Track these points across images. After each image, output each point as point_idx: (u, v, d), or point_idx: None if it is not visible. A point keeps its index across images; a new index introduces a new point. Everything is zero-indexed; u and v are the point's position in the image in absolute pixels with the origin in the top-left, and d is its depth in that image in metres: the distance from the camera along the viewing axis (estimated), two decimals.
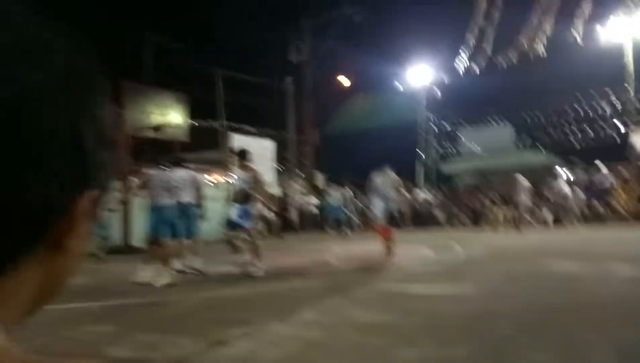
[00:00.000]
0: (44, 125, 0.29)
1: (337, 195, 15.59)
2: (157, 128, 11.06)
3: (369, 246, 10.59)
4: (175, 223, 6.29)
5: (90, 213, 0.34)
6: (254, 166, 7.01)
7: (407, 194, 16.62)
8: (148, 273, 5.96)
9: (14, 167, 0.28)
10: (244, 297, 5.07)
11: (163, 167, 6.64)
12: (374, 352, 2.99)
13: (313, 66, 19.19)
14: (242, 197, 6.57)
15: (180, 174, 6.55)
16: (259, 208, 7.24)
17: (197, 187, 6.69)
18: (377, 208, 8.36)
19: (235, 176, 7.01)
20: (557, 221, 13.61)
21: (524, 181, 14.35)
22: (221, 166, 16.56)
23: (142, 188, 6.87)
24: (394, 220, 9.00)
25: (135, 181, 8.21)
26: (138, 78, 13.35)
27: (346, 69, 21.30)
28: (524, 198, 14.14)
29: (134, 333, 3.69)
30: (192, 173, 6.88)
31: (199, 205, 6.71)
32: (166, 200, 6.30)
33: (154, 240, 6.37)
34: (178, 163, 6.81)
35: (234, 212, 6.54)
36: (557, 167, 16.49)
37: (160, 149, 17.29)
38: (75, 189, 0.32)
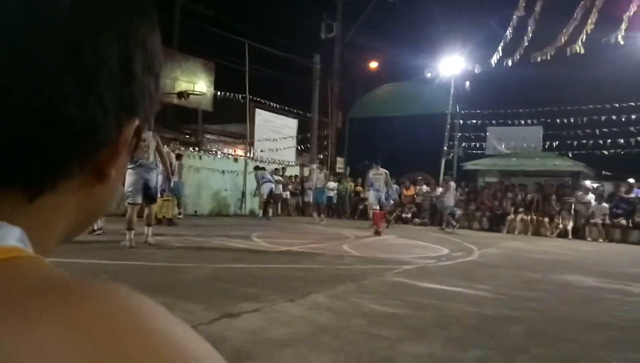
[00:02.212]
0: (98, 47, 0.28)
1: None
2: (182, 95, 11.05)
3: (383, 237, 10.57)
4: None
5: (133, 143, 0.33)
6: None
7: (425, 188, 16.46)
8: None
9: (62, 85, 0.27)
10: (256, 273, 5.09)
11: None
12: (382, 343, 2.96)
13: (342, 45, 18.88)
14: None
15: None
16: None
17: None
18: (372, 197, 10.48)
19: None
20: (579, 231, 13.33)
21: (546, 186, 14.08)
22: (243, 139, 16.61)
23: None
24: (382, 208, 10.80)
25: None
26: (166, 43, 13.32)
27: (376, 53, 20.95)
28: (547, 204, 13.90)
29: (146, 294, 3.73)
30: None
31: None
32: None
33: None
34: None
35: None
36: (583, 175, 16.10)
37: (184, 117, 17.45)
38: (120, 115, 0.30)
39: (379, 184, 10.49)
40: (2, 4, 0.26)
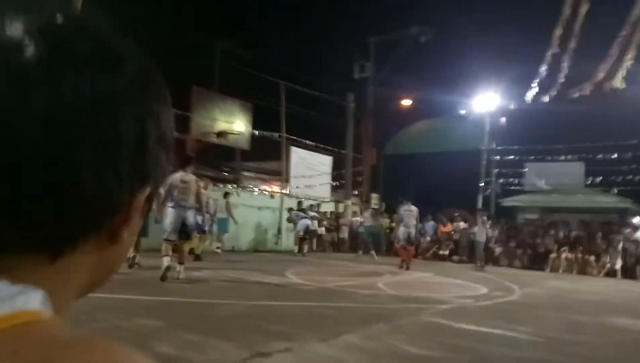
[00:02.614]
0: (116, 124, 0.32)
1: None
2: (221, 134, 11.43)
3: (419, 274, 10.35)
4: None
5: (144, 208, 0.36)
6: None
7: (463, 224, 16.10)
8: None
9: (82, 159, 0.30)
10: (289, 311, 5.08)
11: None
12: None
13: (375, 85, 19.16)
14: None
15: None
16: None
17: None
18: (401, 233, 11.09)
19: None
20: (628, 270, 12.61)
21: (591, 223, 13.50)
22: (279, 176, 16.89)
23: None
24: (411, 243, 11.28)
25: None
26: (207, 84, 13.92)
27: (409, 91, 21.11)
28: (593, 242, 13.29)
29: (181, 331, 3.81)
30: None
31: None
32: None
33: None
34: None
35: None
36: (631, 211, 15.35)
37: (223, 155, 17.96)
38: (133, 185, 0.34)
39: (409, 221, 11.01)
40: (28, 79, 0.30)
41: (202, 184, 8.72)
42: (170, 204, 6.49)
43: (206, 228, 9.42)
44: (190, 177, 6.74)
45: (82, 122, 0.31)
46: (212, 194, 11.40)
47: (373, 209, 14.61)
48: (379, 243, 16.60)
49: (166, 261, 6.31)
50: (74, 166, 0.30)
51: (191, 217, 6.65)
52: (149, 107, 0.35)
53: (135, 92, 0.34)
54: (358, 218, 16.79)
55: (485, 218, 13.61)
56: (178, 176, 6.57)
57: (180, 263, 6.63)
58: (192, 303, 5.16)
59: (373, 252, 13.90)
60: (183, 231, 6.57)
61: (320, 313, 5.04)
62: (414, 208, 11.17)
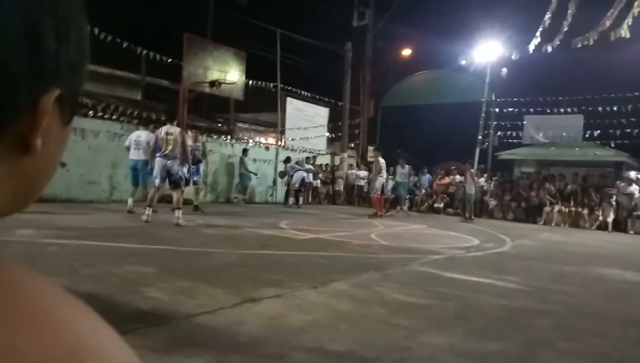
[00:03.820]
0: None
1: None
2: (214, 84, 11.17)
3: (413, 226, 10.45)
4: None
5: (60, 115, 0.33)
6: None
7: (459, 178, 16.12)
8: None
9: None
10: (281, 260, 5.14)
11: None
12: (401, 333, 2.94)
13: (374, 33, 18.58)
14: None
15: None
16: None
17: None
18: (378, 183, 11.84)
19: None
20: (620, 224, 12.76)
21: (586, 177, 13.52)
22: (274, 128, 16.71)
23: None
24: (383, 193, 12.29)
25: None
26: (200, 32, 13.48)
27: (409, 41, 20.54)
28: (587, 195, 13.37)
29: (172, 278, 3.85)
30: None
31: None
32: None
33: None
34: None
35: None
36: (626, 165, 15.36)
37: (217, 106, 17.69)
38: (32, 86, 0.30)
39: (385, 173, 11.91)
40: None
41: (190, 135, 9.34)
42: (157, 154, 7.33)
43: (196, 179, 9.50)
44: (175, 129, 7.44)
45: None
46: (208, 146, 11.39)
47: (401, 163, 13.92)
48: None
49: (147, 210, 7.21)
50: None
51: (175, 166, 7.37)
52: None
53: None
54: (354, 171, 16.77)
55: (473, 170, 13.65)
56: (164, 128, 7.42)
57: (174, 209, 7.31)
58: (185, 252, 5.21)
59: (405, 207, 13.81)
60: (171, 180, 7.40)
61: (312, 262, 5.09)
62: (381, 160, 12.00)
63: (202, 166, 9.80)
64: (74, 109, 0.35)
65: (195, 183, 9.48)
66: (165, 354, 2.32)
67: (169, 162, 7.29)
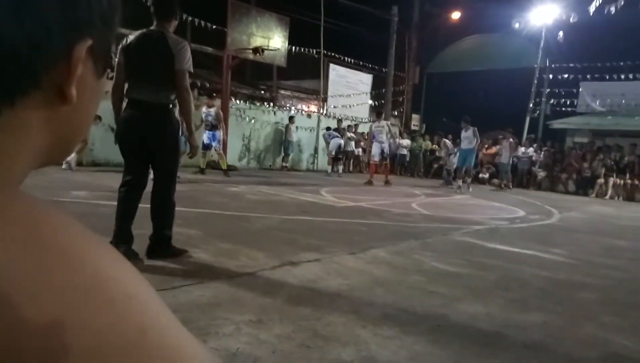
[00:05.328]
0: None
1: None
2: (257, 50, 11.17)
3: (456, 196, 10.26)
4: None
5: (95, 64, 0.34)
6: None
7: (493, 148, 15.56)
8: None
9: None
10: (321, 226, 5.20)
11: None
12: (438, 300, 2.94)
13: None
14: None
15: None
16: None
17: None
18: (374, 150, 11.24)
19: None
20: None
21: None
22: (316, 95, 16.62)
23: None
24: (385, 158, 11.63)
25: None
26: None
27: (458, 3, 19.59)
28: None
29: (216, 240, 4.00)
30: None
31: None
32: None
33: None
34: None
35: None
36: None
37: (260, 73, 17.73)
38: (66, 35, 0.31)
39: (380, 137, 11.16)
40: None
41: (206, 102, 9.88)
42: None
43: (215, 144, 9.77)
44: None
45: None
46: (250, 113, 11.50)
47: (464, 125, 11.30)
48: (417, 165, 16.44)
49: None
50: None
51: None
52: None
53: None
54: (399, 140, 16.48)
55: (511, 140, 13.19)
56: None
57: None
58: (229, 216, 5.37)
59: (469, 180, 11.85)
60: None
61: (351, 229, 5.13)
62: (384, 122, 11.50)
63: (218, 133, 9.75)
64: (107, 61, 0.35)
65: (215, 149, 9.88)
66: (209, 309, 2.44)
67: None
